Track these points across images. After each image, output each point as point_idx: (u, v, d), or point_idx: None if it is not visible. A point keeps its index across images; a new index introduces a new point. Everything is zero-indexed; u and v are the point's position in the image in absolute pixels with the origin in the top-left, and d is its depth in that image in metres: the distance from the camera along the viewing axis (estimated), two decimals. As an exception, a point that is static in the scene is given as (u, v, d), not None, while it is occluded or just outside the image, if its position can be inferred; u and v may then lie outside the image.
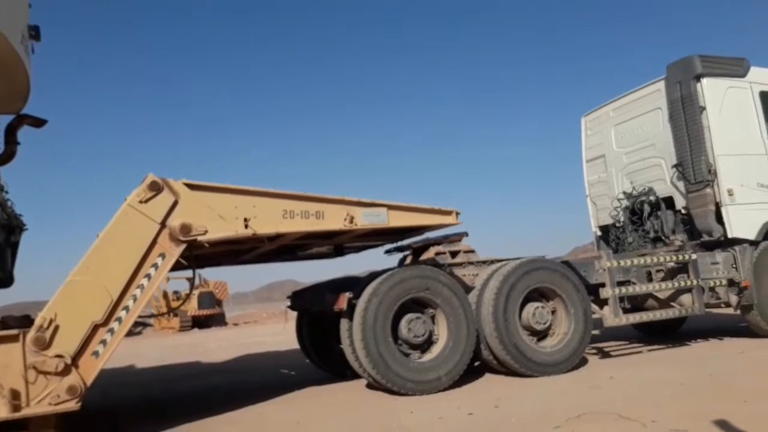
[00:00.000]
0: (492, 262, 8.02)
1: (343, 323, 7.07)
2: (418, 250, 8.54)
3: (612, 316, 8.02)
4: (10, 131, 7.42)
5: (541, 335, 7.69)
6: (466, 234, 8.42)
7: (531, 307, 7.56)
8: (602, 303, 8.26)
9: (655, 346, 9.21)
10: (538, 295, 7.74)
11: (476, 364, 7.68)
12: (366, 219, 6.75)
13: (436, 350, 7.11)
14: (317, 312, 8.29)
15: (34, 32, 7.06)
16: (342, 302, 6.91)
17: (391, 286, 6.91)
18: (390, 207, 6.91)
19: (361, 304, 6.81)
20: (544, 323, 7.59)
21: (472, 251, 8.33)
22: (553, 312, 7.74)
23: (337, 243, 8.24)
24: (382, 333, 6.77)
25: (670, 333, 10.59)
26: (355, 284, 7.19)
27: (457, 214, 7.38)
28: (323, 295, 7.48)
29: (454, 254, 8.19)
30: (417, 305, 7.20)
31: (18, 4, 6.54)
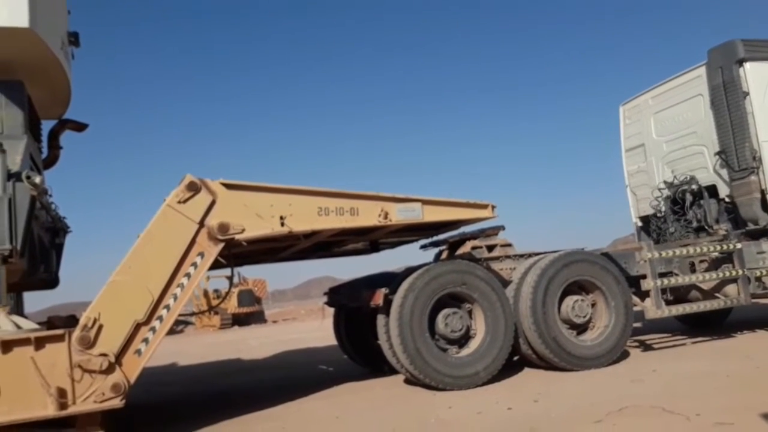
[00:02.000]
0: (530, 255, 7.94)
1: (380, 319, 7.09)
2: (454, 245, 8.51)
3: (654, 308, 7.87)
4: (53, 136, 7.63)
5: (581, 329, 7.59)
6: (502, 228, 8.33)
7: (570, 300, 7.47)
8: (644, 295, 8.08)
9: (699, 338, 9.00)
10: (578, 288, 7.64)
11: (515, 358, 7.63)
12: (400, 214, 6.74)
13: (473, 345, 7.07)
14: (354, 308, 8.32)
15: (74, 38, 7.24)
16: (378, 298, 6.93)
17: (427, 281, 6.90)
18: (424, 202, 6.88)
19: (397, 299, 6.81)
20: (584, 316, 7.50)
21: (509, 245, 8.25)
22: (593, 305, 7.64)
23: (372, 239, 8.25)
24: (419, 328, 6.76)
25: (714, 325, 10.34)
26: (391, 280, 7.18)
27: (493, 207, 7.32)
28: (360, 291, 7.51)
29: (490, 248, 8.12)
30: (454, 300, 7.16)
31: (58, 11, 6.70)
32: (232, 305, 31.02)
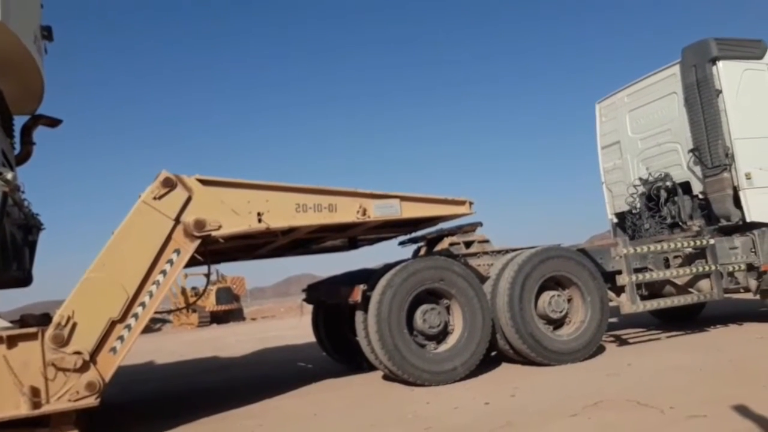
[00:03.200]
0: (507, 251, 7.98)
1: (358, 315, 7.10)
2: (432, 241, 8.53)
3: (629, 303, 7.96)
4: (26, 132, 7.49)
5: (558, 324, 7.66)
6: (480, 224, 8.37)
7: (547, 295, 7.53)
8: (619, 290, 8.19)
9: (674, 333, 9.13)
10: (554, 283, 7.71)
11: (493, 354, 7.68)
12: (379, 211, 6.74)
13: (451, 341, 7.11)
14: (332, 305, 8.31)
15: (47, 33, 7.11)
16: (356, 294, 6.93)
17: (405, 277, 6.91)
18: (403, 198, 6.88)
19: (375, 296, 6.82)
20: (560, 312, 7.56)
21: (487, 241, 8.29)
22: (570, 300, 7.71)
23: (350, 236, 8.24)
24: (397, 324, 6.77)
25: (688, 320, 10.50)
26: (369, 276, 7.19)
27: (471, 204, 7.34)
28: (338, 288, 7.50)
29: (468, 244, 8.16)
30: (432, 296, 7.19)
31: (31, 5, 6.58)
32: (210, 303, 30.82)
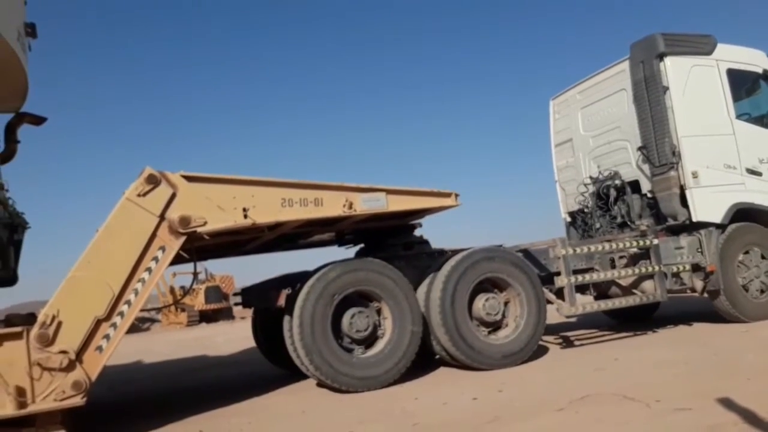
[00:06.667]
0: (443, 252, 7.77)
1: (285, 320, 6.88)
2: (372, 242, 8.36)
3: (567, 305, 7.75)
4: (10, 130, 7.42)
5: (494, 326, 7.45)
6: (419, 224, 8.18)
7: (482, 298, 7.32)
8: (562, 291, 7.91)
9: (661, 328, 9.17)
10: (491, 285, 7.49)
11: (437, 357, 7.52)
12: (365, 204, 6.69)
13: (380, 345, 6.92)
14: (266, 309, 7.96)
15: (31, 29, 7.04)
16: (281, 299, 6.78)
17: (328, 281, 6.69)
18: (389, 191, 6.84)
19: (298, 301, 6.59)
20: (496, 314, 7.34)
21: (426, 242, 8.11)
22: (506, 302, 7.50)
23: (337, 230, 8.20)
24: (321, 329, 6.55)
25: (642, 319, 10.29)
26: (305, 279, 6.88)
27: (457, 195, 7.29)
28: (267, 292, 7.27)
29: (407, 246, 7.95)
30: (363, 299, 7.00)
31: (14, 1, 6.53)
32: (198, 302, 30.68)
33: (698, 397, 4.81)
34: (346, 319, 6.81)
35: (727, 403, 4.54)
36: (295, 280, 7.03)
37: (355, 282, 6.85)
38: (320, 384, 7.04)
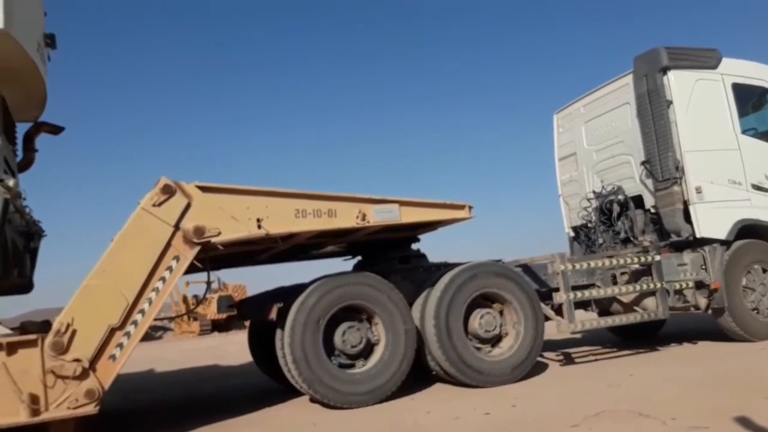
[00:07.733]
0: (439, 267, 7.67)
1: (278, 334, 6.80)
2: (369, 256, 8.31)
3: (566, 323, 7.62)
4: (28, 139, 7.51)
5: (491, 343, 7.32)
6: (417, 239, 8.13)
7: (478, 314, 7.20)
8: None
9: (669, 346, 9.05)
10: (488, 300, 7.36)
11: (434, 373, 7.34)
12: (378, 216, 6.68)
13: (373, 360, 6.80)
14: (261, 322, 7.88)
15: (50, 40, 7.13)
16: (273, 312, 6.73)
17: (322, 294, 6.59)
18: (402, 203, 6.83)
19: (290, 315, 6.48)
20: (492, 330, 7.20)
21: (423, 256, 8.04)
22: (503, 318, 7.38)
23: (350, 241, 8.20)
24: (312, 344, 6.44)
25: (646, 336, 10.10)
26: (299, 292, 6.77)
27: (470, 208, 7.26)
28: (261, 305, 7.21)
29: (404, 259, 7.87)
30: (357, 313, 6.89)
31: (34, 12, 6.61)
32: (211, 311, 30.77)
33: (715, 416, 4.74)
34: (338, 334, 6.70)
35: (745, 422, 4.48)
36: (288, 294, 6.95)
37: (349, 296, 6.72)
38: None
